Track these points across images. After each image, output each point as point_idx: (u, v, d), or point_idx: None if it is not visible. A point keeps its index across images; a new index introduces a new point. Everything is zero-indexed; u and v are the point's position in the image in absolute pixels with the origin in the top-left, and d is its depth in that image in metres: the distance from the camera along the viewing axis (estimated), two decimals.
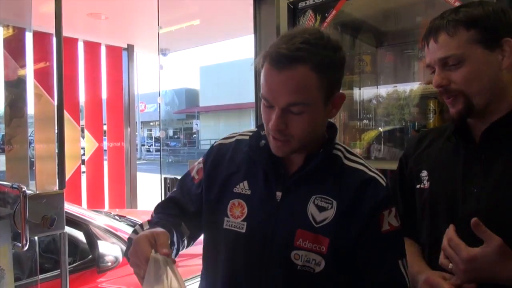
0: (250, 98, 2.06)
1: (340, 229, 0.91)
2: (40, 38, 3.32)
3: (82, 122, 4.68)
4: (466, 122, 1.05)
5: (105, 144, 4.89)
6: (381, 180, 0.95)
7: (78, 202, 4.36)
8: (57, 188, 1.37)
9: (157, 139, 25.77)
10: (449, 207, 1.03)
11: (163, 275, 0.80)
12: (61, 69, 1.44)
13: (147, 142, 28.52)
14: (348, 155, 0.99)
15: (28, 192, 1.26)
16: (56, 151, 1.46)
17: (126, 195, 4.85)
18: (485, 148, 1.00)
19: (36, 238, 1.35)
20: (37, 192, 1.32)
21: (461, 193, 1.02)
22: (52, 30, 1.44)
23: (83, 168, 4.66)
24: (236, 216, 0.99)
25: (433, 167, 1.10)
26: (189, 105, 29.25)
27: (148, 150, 26.08)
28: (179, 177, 2.27)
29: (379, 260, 0.92)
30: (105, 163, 4.90)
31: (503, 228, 0.90)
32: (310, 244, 0.91)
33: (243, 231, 0.97)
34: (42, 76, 2.09)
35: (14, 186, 1.23)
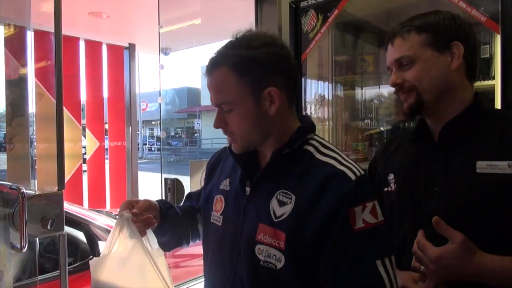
0: None
1: (297, 224, 0.89)
2: (42, 37, 3.30)
3: (84, 121, 4.68)
4: (426, 124, 1.12)
5: (107, 143, 4.88)
6: (350, 174, 0.89)
7: (79, 201, 4.36)
8: (57, 189, 1.36)
9: (159, 138, 25.78)
10: (413, 207, 1.08)
11: (120, 228, 0.99)
12: (60, 68, 1.43)
13: (149, 141, 28.53)
14: (322, 149, 0.96)
15: (28, 192, 1.24)
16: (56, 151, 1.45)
17: (128, 194, 4.84)
18: (443, 148, 1.06)
19: (36, 239, 1.34)
20: (36, 193, 1.31)
21: (424, 192, 1.07)
22: (53, 28, 1.43)
23: (85, 167, 4.65)
24: (217, 210, 1.06)
25: (398, 170, 1.16)
26: (190, 104, 29.23)
27: (150, 149, 26.08)
28: (179, 178, 2.28)
29: (354, 261, 0.85)
30: (107, 162, 4.90)
31: (464, 224, 0.93)
32: (270, 238, 0.92)
33: (220, 224, 1.03)
34: (43, 75, 2.08)
35: (12, 187, 1.22)
